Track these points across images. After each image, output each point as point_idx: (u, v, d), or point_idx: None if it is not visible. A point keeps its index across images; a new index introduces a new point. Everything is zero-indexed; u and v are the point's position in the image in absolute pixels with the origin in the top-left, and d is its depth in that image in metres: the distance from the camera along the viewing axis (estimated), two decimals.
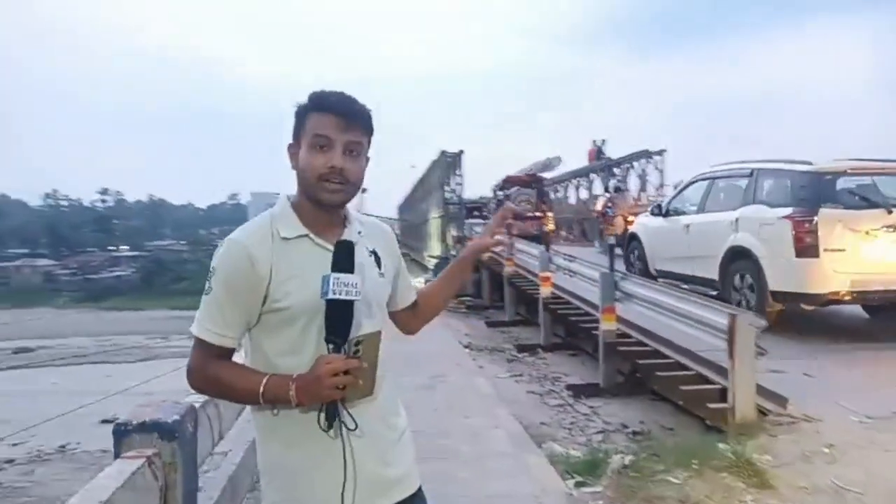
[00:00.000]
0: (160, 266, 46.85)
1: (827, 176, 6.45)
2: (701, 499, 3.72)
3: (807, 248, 6.14)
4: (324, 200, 1.45)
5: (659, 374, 6.30)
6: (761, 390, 4.77)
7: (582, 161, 22.40)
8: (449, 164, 21.36)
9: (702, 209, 7.90)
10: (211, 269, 1.46)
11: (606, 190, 18.26)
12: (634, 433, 6.04)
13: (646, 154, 19.55)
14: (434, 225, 22.36)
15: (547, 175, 20.29)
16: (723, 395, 4.97)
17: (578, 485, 4.15)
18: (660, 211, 8.94)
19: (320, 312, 1.38)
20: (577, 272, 9.44)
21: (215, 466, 3.22)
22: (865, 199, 6.34)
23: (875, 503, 3.54)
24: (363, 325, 1.43)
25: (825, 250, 6.11)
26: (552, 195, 23.41)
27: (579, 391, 7.42)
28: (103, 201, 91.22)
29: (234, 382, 1.44)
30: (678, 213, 8.45)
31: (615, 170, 20.48)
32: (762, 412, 4.70)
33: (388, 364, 1.54)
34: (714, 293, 6.99)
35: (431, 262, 21.69)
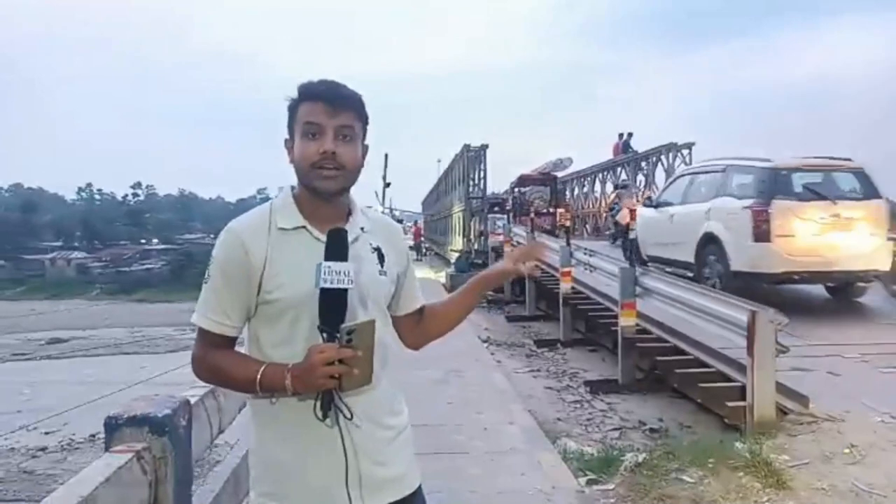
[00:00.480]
0: (190, 259, 47.50)
1: (782, 172, 7.32)
2: (715, 498, 3.64)
3: (762, 234, 6.99)
4: (319, 188, 1.43)
5: (678, 370, 6.19)
6: (782, 389, 4.64)
7: (608, 155, 22.10)
8: (472, 158, 21.27)
9: (684, 201, 8.68)
10: (211, 257, 1.47)
11: (616, 187, 18.67)
12: (651, 430, 5.96)
13: (673, 147, 19.20)
14: (456, 219, 22.33)
15: (560, 173, 20.73)
16: (742, 393, 4.85)
17: (590, 482, 4.10)
18: (651, 203, 9.67)
19: (312, 303, 1.37)
20: (598, 267, 9.32)
21: (219, 459, 3.24)
22: (814, 192, 7.18)
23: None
24: (357, 315, 1.41)
25: (777, 236, 6.96)
26: (576, 190, 23.25)
27: (597, 387, 7.35)
28: (135, 195, 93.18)
29: (233, 371, 1.44)
30: (666, 204, 9.18)
31: (642, 163, 20.18)
32: (783, 411, 4.58)
33: (390, 359, 1.54)
34: (690, 275, 7.79)
35: (453, 256, 21.67)
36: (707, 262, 7.76)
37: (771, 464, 3.81)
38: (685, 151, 18.92)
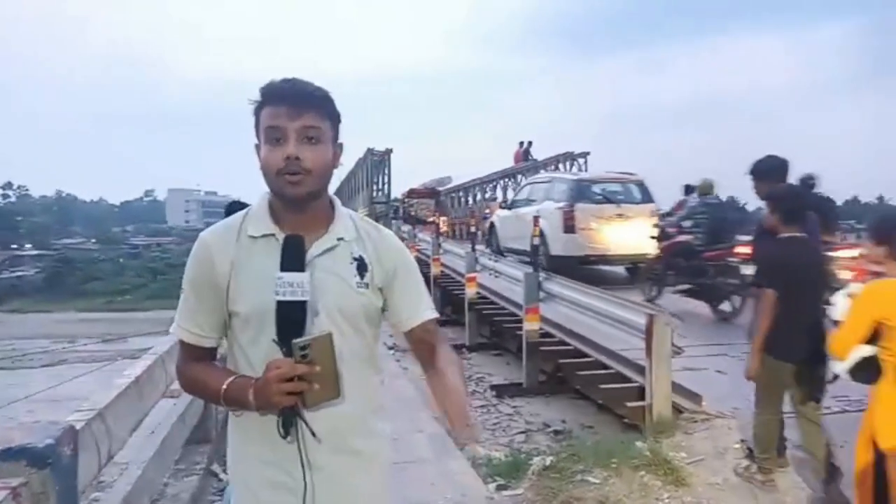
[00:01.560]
0: (68, 265, 44.05)
1: (584, 183, 10.24)
2: (619, 498, 3.75)
3: (569, 227, 9.42)
4: (286, 194, 1.37)
5: (580, 373, 6.38)
6: (677, 388, 4.88)
7: (510, 162, 22.63)
8: (376, 162, 21.14)
9: (527, 203, 10.97)
10: (186, 267, 1.46)
11: (486, 200, 21.84)
12: (556, 432, 6.10)
13: (570, 156, 19.96)
14: None
15: (442, 188, 23.69)
16: (641, 393, 5.06)
17: (499, 488, 4.11)
18: (507, 205, 12.27)
19: (272, 314, 1.33)
20: (502, 272, 9.48)
21: (112, 480, 2.98)
22: (605, 198, 9.84)
23: (786, 496, 3.66)
24: (316, 329, 1.34)
25: (580, 229, 9.41)
26: (478, 196, 23.99)
27: (503, 391, 7.45)
28: (5, 196, 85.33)
29: (205, 382, 1.42)
30: (516, 206, 11.48)
31: (541, 171, 20.81)
32: (678, 410, 4.81)
33: (371, 376, 1.48)
34: (528, 260, 9.51)
35: None
36: (537, 250, 9.40)
37: (670, 461, 3.99)
38: (581, 160, 19.75)
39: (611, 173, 10.78)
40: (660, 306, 6.20)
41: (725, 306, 7.17)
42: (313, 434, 1.35)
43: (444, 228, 14.76)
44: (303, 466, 1.36)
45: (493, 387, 7.67)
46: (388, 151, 20.86)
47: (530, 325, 7.33)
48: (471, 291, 9.90)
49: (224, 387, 1.36)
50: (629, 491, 3.82)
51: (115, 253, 49.97)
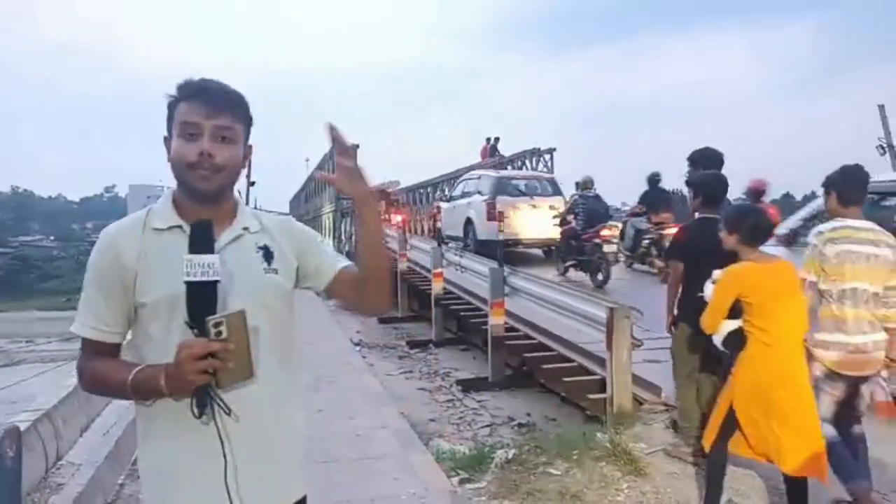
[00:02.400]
0: (25, 264, 42.85)
1: (503, 179, 12.12)
2: (580, 489, 3.79)
3: (491, 217, 10.96)
4: (196, 188, 1.40)
5: (544, 366, 6.44)
6: (637, 380, 4.96)
7: (476, 158, 22.67)
8: None
9: (462, 197, 12.80)
10: (87, 264, 1.44)
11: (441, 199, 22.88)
12: (520, 425, 6.16)
13: (537, 152, 20.08)
14: (326, 220, 21.95)
15: (391, 189, 23.72)
16: (602, 385, 5.13)
17: (463, 481, 4.13)
18: (447, 199, 14.09)
19: (183, 300, 1.33)
20: (468, 268, 9.51)
21: (63, 482, 2.90)
22: (521, 192, 11.70)
23: (740, 485, 3.75)
24: (229, 309, 1.35)
25: (500, 218, 10.75)
26: (446, 191, 24.24)
27: (468, 386, 7.49)
28: None
29: (108, 376, 1.40)
30: (454, 199, 13.25)
31: (508, 167, 20.90)
32: (638, 401, 4.90)
33: (283, 357, 1.50)
34: (462, 245, 11.74)
35: None
36: (468, 236, 11.80)
37: (630, 452, 4.04)
38: (547, 156, 19.88)
39: (529, 172, 14.45)
40: (568, 278, 9.20)
41: (599, 276, 8.85)
42: (227, 412, 1.35)
43: (398, 225, 15.89)
44: (221, 443, 1.36)
45: (459, 382, 7.71)
46: (355, 146, 20.64)
47: (495, 320, 7.37)
48: (437, 287, 9.91)
49: (130, 377, 1.34)
50: (589, 482, 3.87)
51: (75, 250, 48.70)
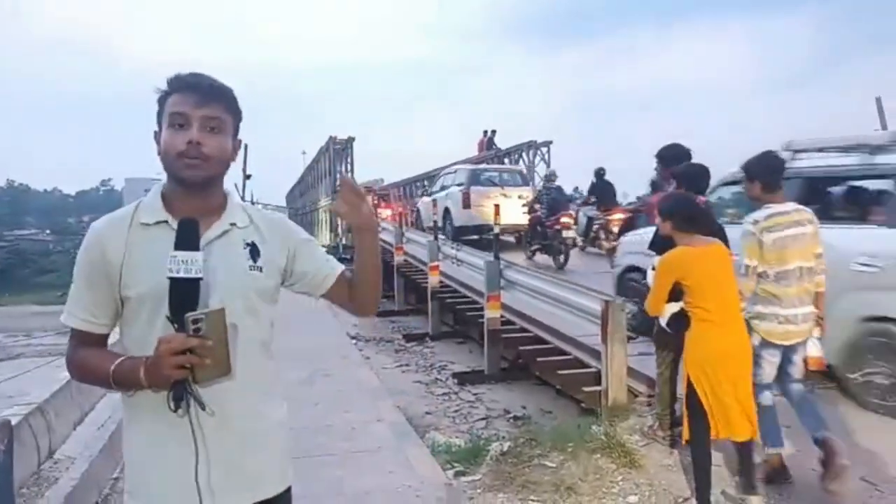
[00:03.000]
0: (21, 258, 42.71)
1: (477, 171, 13.60)
2: (574, 481, 3.81)
3: (466, 204, 12.37)
4: (184, 178, 1.42)
5: (539, 359, 6.45)
6: (632, 372, 4.97)
7: (474, 151, 22.63)
8: (338, 150, 20.93)
9: (440, 190, 14.23)
10: (77, 257, 1.48)
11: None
12: (516, 418, 6.17)
13: (533, 145, 20.06)
14: (323, 213, 21.89)
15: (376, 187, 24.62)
16: (597, 378, 5.14)
17: (458, 474, 4.14)
18: (426, 192, 15.91)
19: (166, 295, 1.35)
20: (464, 261, 9.51)
21: (59, 476, 2.90)
22: (493, 182, 13.10)
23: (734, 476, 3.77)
24: (210, 306, 1.38)
25: (474, 206, 12.26)
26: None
27: (464, 379, 7.49)
28: None
29: (93, 366, 1.43)
30: (433, 193, 14.58)
31: (505, 159, 20.89)
32: (633, 394, 4.91)
33: (261, 353, 1.52)
34: (442, 234, 12.42)
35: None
36: (446, 223, 13.14)
37: (624, 444, 4.06)
38: (544, 149, 19.88)
39: (500, 165, 16.00)
40: (535, 262, 10.22)
41: (560, 259, 9.96)
42: (202, 407, 1.37)
43: (386, 218, 16.83)
44: (194, 439, 1.39)
45: (455, 375, 7.71)
46: (351, 140, 20.69)
47: (492, 313, 7.38)
48: (433, 280, 9.91)
49: (112, 368, 1.38)
50: (584, 474, 3.88)
51: (71, 244, 48.52)
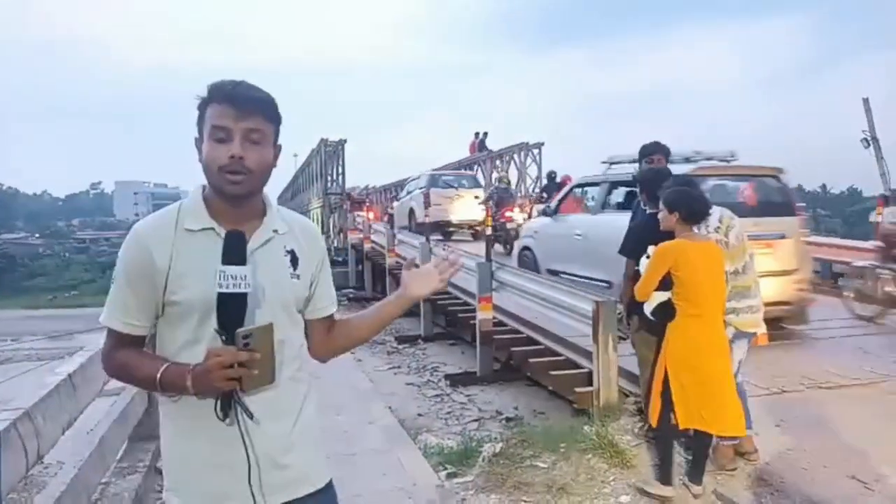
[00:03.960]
0: (10, 262, 42.43)
1: (436, 175, 15.90)
2: (566, 482, 3.82)
3: (427, 204, 13.30)
4: (227, 192, 1.43)
5: (531, 360, 6.44)
6: (623, 373, 4.98)
7: (465, 153, 22.67)
8: (330, 153, 20.88)
9: (408, 194, 16.08)
10: (118, 258, 1.48)
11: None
12: (508, 419, 6.17)
13: (525, 147, 20.12)
14: (315, 215, 21.83)
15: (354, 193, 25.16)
16: (589, 378, 5.15)
17: (450, 476, 4.14)
18: (397, 198, 18.08)
19: (213, 305, 1.38)
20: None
21: (42, 486, 2.88)
22: (450, 184, 15.26)
23: (725, 474, 3.79)
24: (258, 318, 1.42)
25: (433, 205, 13.55)
26: None
27: (456, 380, 7.49)
28: None
29: (137, 368, 1.44)
30: (401, 198, 16.78)
31: (497, 161, 20.94)
32: (625, 394, 4.92)
33: (300, 356, 1.57)
34: (414, 231, 14.28)
35: None
36: (410, 221, 15.07)
37: (616, 445, 4.07)
38: (535, 151, 19.94)
39: (456, 170, 19.05)
40: (495, 250, 10.57)
41: (508, 247, 11.97)
42: (250, 416, 1.41)
43: (367, 219, 17.66)
44: (245, 446, 1.42)
45: (447, 376, 7.71)
46: (342, 142, 20.64)
47: (483, 315, 7.38)
48: None
49: (159, 374, 1.39)
50: (576, 474, 3.89)
51: (61, 248, 48.23)
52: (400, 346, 9.70)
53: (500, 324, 7.44)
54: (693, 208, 3.40)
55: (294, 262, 1.53)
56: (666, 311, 3.38)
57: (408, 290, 1.67)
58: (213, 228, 1.44)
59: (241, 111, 1.41)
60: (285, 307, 1.51)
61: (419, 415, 6.39)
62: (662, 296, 3.38)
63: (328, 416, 5.48)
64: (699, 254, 3.34)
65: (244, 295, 1.38)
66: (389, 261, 12.39)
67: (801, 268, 6.14)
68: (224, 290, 1.36)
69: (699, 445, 3.52)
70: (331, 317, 1.68)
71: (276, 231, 1.51)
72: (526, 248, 8.65)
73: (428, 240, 11.16)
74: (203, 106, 1.45)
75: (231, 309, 1.37)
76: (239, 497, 1.44)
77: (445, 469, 4.24)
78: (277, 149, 1.52)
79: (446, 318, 10.20)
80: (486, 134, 22.00)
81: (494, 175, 19.13)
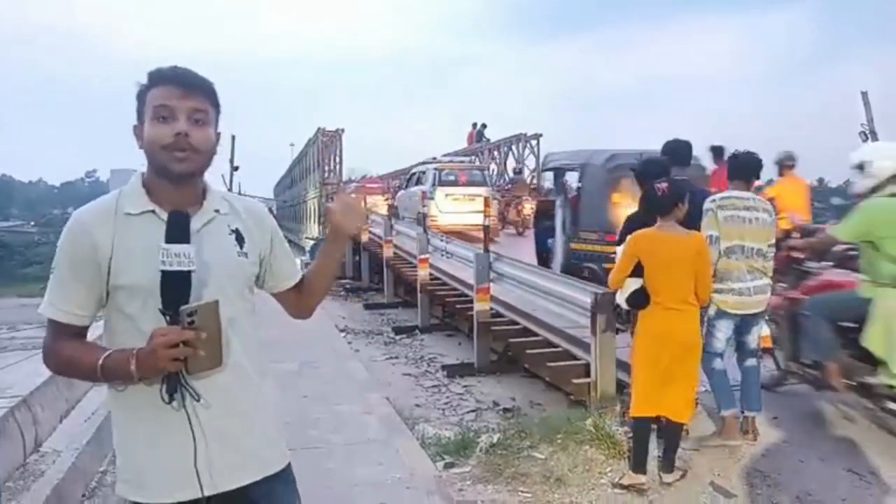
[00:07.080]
0: (6, 250, 42.28)
1: (440, 172, 14.88)
2: (563, 472, 3.83)
3: (426, 202, 12.94)
4: (173, 170, 1.42)
5: (529, 351, 6.45)
6: (621, 364, 4.98)
7: (463, 144, 22.61)
8: (327, 142, 20.80)
9: (416, 184, 15.46)
10: (57, 247, 1.45)
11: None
12: (505, 410, 6.18)
13: (523, 138, 20.07)
14: (311, 205, 21.79)
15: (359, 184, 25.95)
16: (587, 370, 5.16)
17: (447, 466, 4.15)
18: (403, 188, 17.17)
19: (157, 285, 1.36)
20: (454, 254, 9.50)
21: (46, 469, 2.87)
22: (450, 182, 14.62)
23: (721, 466, 3.81)
24: (203, 297, 1.39)
25: (442, 213, 13.73)
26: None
27: (454, 371, 7.49)
28: None
29: (78, 359, 1.41)
30: (409, 187, 16.09)
31: (494, 152, 20.90)
32: (622, 385, 4.92)
33: (248, 340, 1.54)
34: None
35: (308, 244, 21.15)
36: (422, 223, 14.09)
37: (613, 436, 4.08)
38: (533, 142, 19.90)
39: (461, 164, 17.49)
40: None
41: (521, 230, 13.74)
42: (196, 398, 1.39)
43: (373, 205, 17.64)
44: (191, 429, 1.40)
45: (444, 367, 7.71)
46: (340, 131, 20.56)
47: (481, 306, 7.38)
48: (423, 273, 9.90)
49: (100, 361, 1.37)
50: (573, 465, 3.90)
51: (56, 236, 48.02)
52: (397, 337, 9.69)
53: (498, 315, 7.44)
54: (654, 199, 3.53)
55: (240, 240, 1.53)
56: (640, 298, 3.49)
57: (335, 224, 1.63)
58: (153, 211, 1.44)
59: (185, 90, 1.42)
60: (234, 285, 1.50)
61: (417, 405, 6.40)
62: (635, 283, 3.49)
63: (326, 406, 5.48)
64: (666, 244, 3.45)
65: (188, 273, 1.36)
66: (387, 252, 12.37)
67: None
68: (168, 268, 1.34)
69: (669, 435, 3.60)
70: (298, 284, 1.70)
71: (217, 211, 1.51)
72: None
73: (425, 231, 11.13)
74: (143, 92, 1.44)
75: (175, 288, 1.35)
76: (185, 480, 1.41)
77: (443, 459, 4.24)
78: (218, 135, 1.52)
79: (444, 309, 10.19)
80: (484, 125, 21.95)
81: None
